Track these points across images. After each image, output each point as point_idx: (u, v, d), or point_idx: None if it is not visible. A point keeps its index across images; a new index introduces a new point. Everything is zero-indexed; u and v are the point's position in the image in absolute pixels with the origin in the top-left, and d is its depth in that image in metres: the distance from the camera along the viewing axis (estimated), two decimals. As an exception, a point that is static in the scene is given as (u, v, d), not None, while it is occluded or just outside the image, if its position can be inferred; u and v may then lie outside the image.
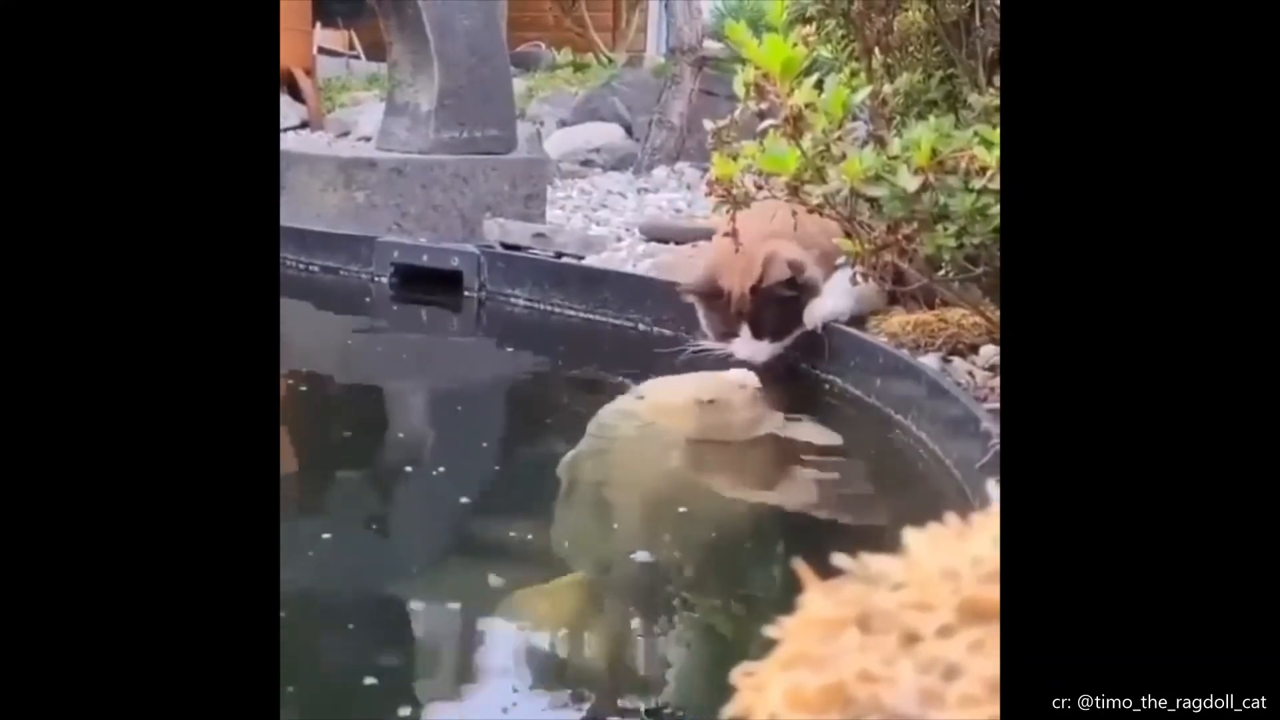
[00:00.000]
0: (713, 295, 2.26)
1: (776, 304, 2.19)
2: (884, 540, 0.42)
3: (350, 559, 1.49)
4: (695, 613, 1.36)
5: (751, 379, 1.95)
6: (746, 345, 2.21)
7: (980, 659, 0.34)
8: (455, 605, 1.34)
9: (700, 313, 2.32)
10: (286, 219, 3.04)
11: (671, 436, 1.86)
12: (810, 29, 2.18)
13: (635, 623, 1.34)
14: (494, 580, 1.36)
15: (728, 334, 2.24)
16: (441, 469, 1.87)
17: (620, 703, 1.14)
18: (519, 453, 2.04)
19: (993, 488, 0.44)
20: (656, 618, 1.34)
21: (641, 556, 1.42)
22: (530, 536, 1.55)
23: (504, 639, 1.27)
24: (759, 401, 1.94)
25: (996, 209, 1.57)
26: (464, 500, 1.71)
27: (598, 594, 1.39)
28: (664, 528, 1.58)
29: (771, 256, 2.19)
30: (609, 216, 3.86)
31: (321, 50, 6.73)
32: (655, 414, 1.88)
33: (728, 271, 2.24)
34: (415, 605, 1.36)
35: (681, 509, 1.65)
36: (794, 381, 2.22)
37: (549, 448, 1.83)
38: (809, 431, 1.92)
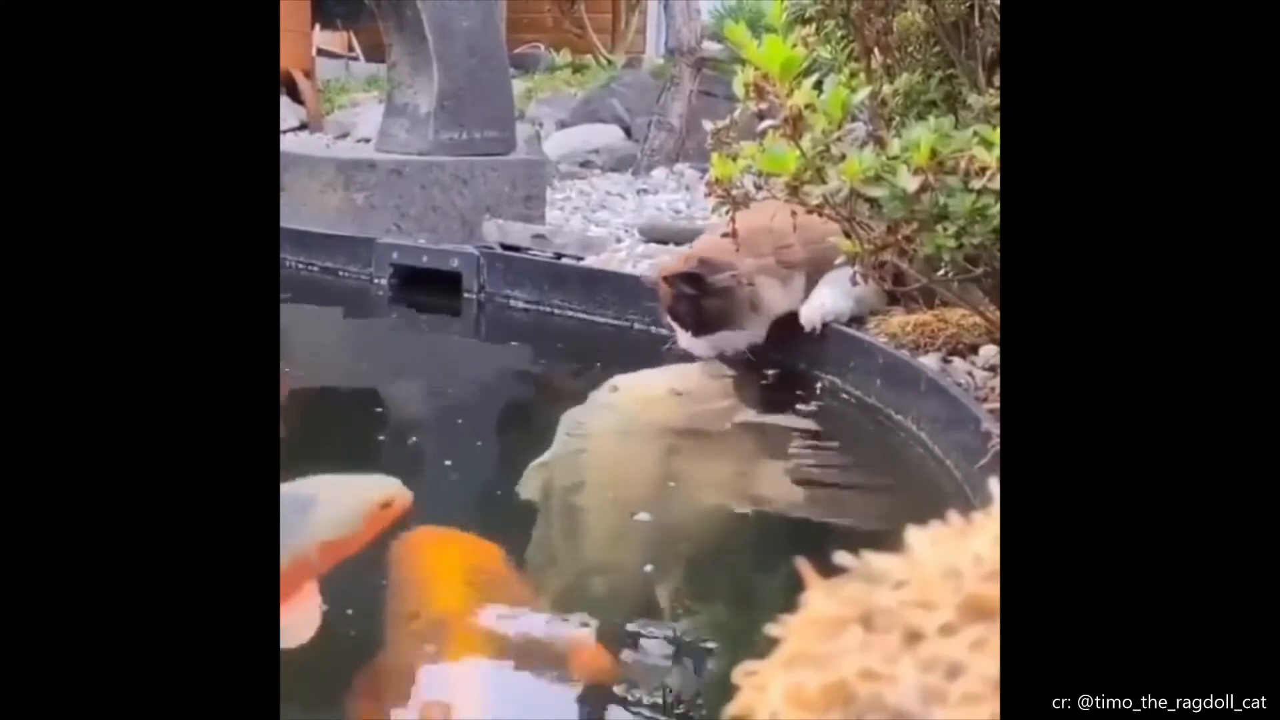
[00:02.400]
0: (654, 287, 2.38)
1: (685, 300, 2.27)
2: (885, 539, 0.42)
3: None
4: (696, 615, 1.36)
5: (723, 368, 1.98)
6: (681, 336, 2.31)
7: (982, 657, 0.34)
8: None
9: None
10: (285, 220, 3.04)
11: (653, 429, 1.88)
12: (809, 29, 2.18)
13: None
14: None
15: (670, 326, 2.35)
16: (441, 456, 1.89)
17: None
18: (513, 444, 2.06)
19: (994, 485, 0.44)
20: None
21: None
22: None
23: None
24: (732, 393, 1.97)
25: (996, 209, 1.57)
26: (447, 463, 1.77)
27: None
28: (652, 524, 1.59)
29: (691, 254, 2.29)
30: (608, 218, 3.86)
31: (320, 52, 6.73)
32: (633, 405, 1.90)
33: (668, 263, 2.39)
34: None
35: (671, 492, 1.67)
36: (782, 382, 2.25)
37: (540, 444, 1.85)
38: (789, 422, 1.96)
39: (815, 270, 2.28)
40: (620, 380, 1.98)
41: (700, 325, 2.27)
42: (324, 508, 1.32)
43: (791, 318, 2.29)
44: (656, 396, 1.93)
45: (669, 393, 1.94)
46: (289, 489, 1.32)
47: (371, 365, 2.62)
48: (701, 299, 2.24)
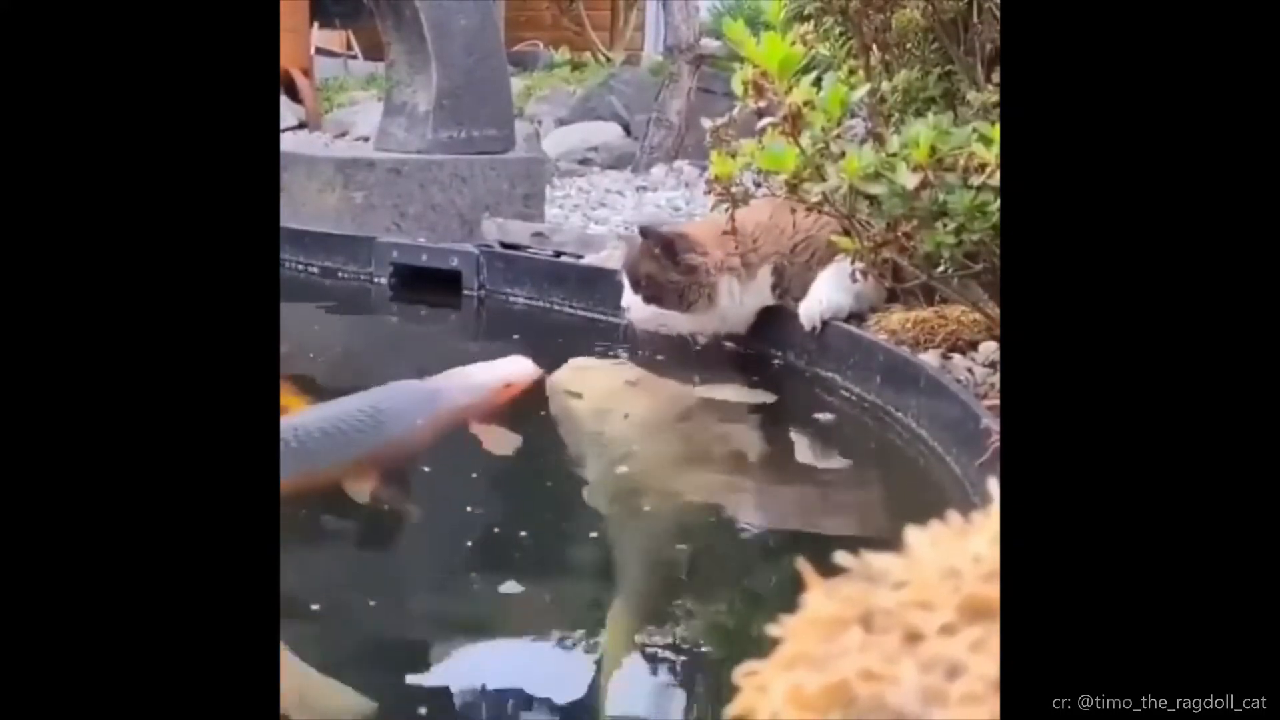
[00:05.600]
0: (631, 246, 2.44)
1: (649, 260, 2.30)
2: (886, 539, 0.42)
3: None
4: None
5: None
6: (626, 297, 2.35)
7: (981, 657, 0.34)
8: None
9: None
10: (284, 220, 3.04)
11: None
12: (808, 27, 2.18)
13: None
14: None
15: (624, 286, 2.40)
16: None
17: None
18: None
19: (993, 485, 0.44)
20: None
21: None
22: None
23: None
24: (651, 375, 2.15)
25: (995, 206, 1.57)
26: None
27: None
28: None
29: (675, 229, 2.34)
30: (607, 215, 3.87)
31: (319, 51, 6.73)
32: (611, 402, 1.97)
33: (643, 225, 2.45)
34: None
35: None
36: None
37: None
38: (733, 392, 2.09)
39: (782, 261, 2.30)
40: (572, 385, 2.02)
41: (654, 293, 2.30)
42: (447, 394, 1.76)
43: (772, 312, 2.31)
44: (618, 389, 2.01)
45: (624, 385, 2.02)
46: (420, 384, 1.81)
47: (372, 356, 2.62)
48: (668, 268, 2.27)
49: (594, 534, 1.57)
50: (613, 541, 1.56)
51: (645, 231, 2.35)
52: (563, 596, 1.41)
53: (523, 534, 1.54)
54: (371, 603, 1.34)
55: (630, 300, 2.33)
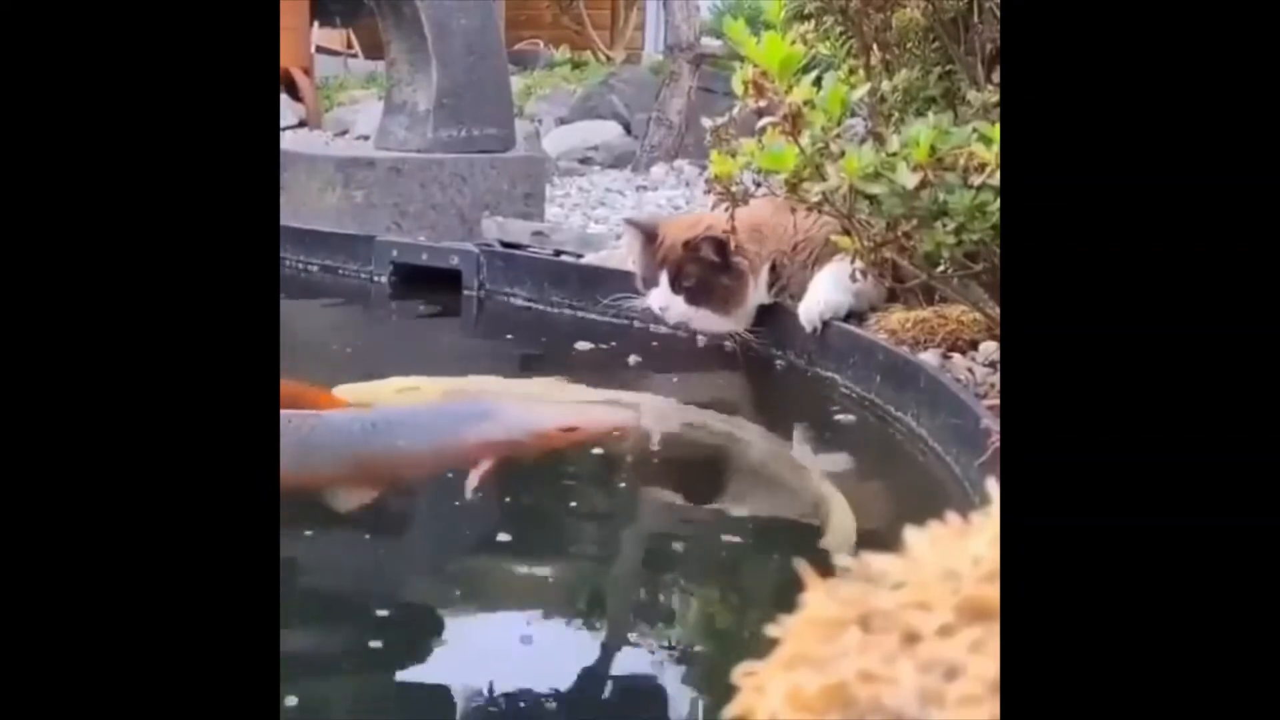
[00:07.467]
0: (649, 237, 2.38)
1: (699, 263, 2.28)
2: (885, 539, 0.42)
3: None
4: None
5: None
6: (662, 295, 2.31)
7: (980, 658, 0.34)
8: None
9: (634, 256, 2.45)
10: (284, 218, 3.04)
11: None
12: (808, 26, 2.19)
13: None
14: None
15: (649, 281, 2.35)
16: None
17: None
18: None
19: (993, 486, 0.44)
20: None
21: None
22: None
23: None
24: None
25: (995, 206, 1.57)
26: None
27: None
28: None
29: (715, 223, 2.29)
30: (608, 214, 3.86)
31: (319, 49, 6.73)
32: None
33: (672, 223, 2.42)
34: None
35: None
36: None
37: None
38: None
39: (781, 259, 2.31)
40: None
41: (701, 295, 2.28)
42: (491, 422, 1.65)
43: (771, 311, 2.31)
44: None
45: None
46: (472, 404, 1.76)
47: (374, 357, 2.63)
48: (720, 270, 2.26)
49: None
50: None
51: (699, 245, 2.28)
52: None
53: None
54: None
55: (668, 299, 2.30)
